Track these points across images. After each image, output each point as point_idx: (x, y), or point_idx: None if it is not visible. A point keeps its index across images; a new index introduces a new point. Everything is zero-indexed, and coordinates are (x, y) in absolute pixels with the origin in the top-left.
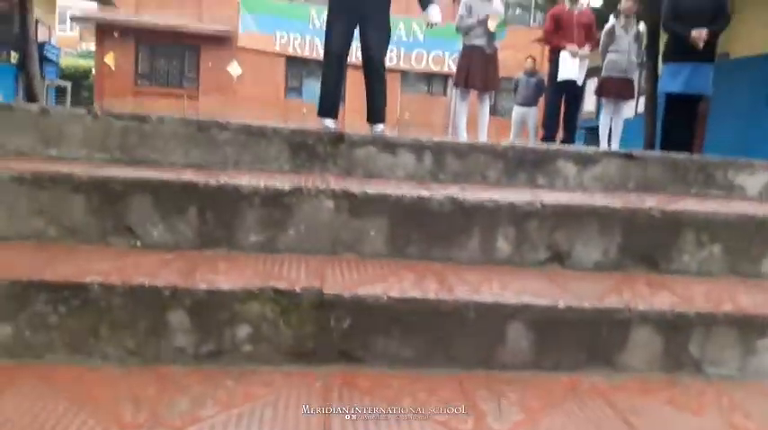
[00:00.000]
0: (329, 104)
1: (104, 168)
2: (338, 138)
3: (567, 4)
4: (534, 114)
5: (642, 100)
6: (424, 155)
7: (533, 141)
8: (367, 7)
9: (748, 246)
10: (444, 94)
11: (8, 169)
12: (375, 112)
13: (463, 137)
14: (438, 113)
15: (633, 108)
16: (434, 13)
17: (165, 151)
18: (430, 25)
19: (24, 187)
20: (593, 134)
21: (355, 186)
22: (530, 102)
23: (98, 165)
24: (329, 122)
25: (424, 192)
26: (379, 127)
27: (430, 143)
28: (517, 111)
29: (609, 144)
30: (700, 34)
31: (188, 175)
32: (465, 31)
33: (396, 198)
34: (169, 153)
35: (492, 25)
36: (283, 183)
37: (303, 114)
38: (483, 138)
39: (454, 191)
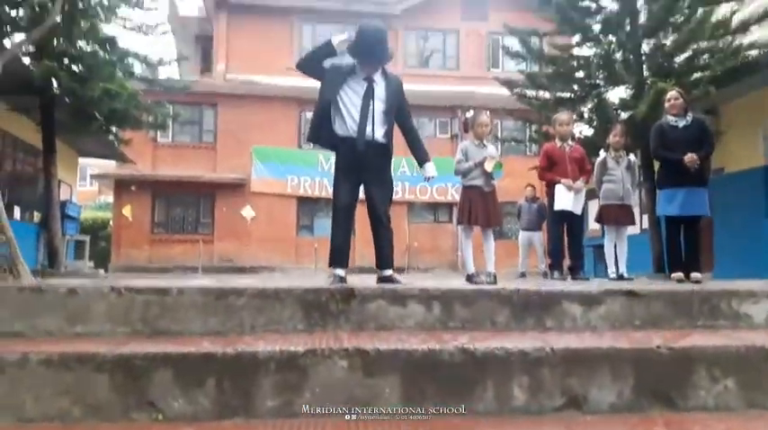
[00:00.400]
0: (340, 257)
1: (127, 344)
2: (349, 295)
3: (558, 143)
4: (539, 237)
5: (646, 217)
6: (432, 305)
7: (541, 264)
8: (369, 166)
9: (762, 378)
10: (450, 220)
11: (37, 352)
12: (383, 259)
13: (471, 271)
14: (445, 240)
15: (638, 225)
16: (431, 169)
17: (185, 321)
18: (427, 179)
19: (51, 369)
20: (600, 252)
21: (368, 343)
22: (534, 226)
23: (121, 341)
24: (340, 271)
25: (435, 345)
26: (387, 272)
27: (437, 292)
28: (523, 235)
29: (617, 268)
30: (692, 158)
31: (206, 345)
32: (463, 174)
33: (407, 353)
34: (189, 322)
35: (489, 166)
36: (298, 345)
37: (315, 249)
38: (491, 269)
39: (464, 340)
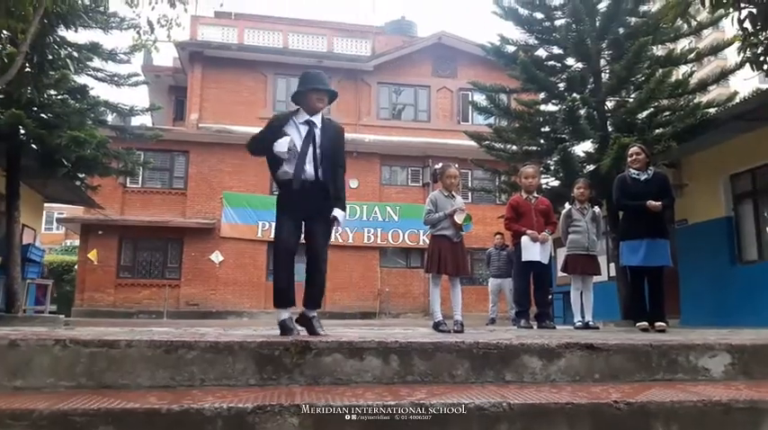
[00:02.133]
0: (286, 298)
1: (69, 399)
2: (305, 348)
3: (524, 195)
4: (509, 284)
5: (612, 265)
6: (390, 358)
7: (511, 310)
8: (311, 206)
9: None
10: (422, 266)
11: None
12: (313, 301)
13: (438, 318)
14: (417, 285)
15: (605, 273)
16: (339, 214)
17: (133, 374)
18: (337, 223)
19: None
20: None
21: (321, 399)
22: (503, 274)
23: (62, 396)
24: (285, 314)
25: (391, 401)
26: (312, 313)
27: (395, 345)
28: (492, 282)
29: (582, 316)
30: (654, 204)
31: (152, 400)
32: (432, 225)
33: (361, 409)
34: (137, 376)
35: (459, 219)
36: (247, 401)
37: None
38: (458, 317)
39: (422, 395)
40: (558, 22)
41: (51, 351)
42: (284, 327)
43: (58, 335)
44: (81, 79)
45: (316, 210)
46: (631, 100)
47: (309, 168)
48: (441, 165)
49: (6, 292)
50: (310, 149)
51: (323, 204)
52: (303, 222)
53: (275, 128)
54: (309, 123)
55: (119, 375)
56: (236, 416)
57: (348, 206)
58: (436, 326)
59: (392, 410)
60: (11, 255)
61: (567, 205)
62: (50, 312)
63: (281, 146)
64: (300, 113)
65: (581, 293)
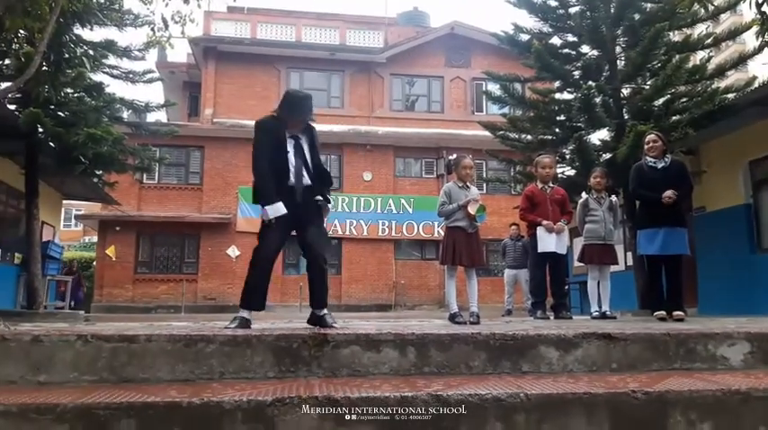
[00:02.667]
0: (256, 302)
1: (91, 393)
2: (322, 340)
3: (539, 185)
4: (525, 275)
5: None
6: (407, 350)
7: (528, 301)
8: (305, 213)
9: (739, 421)
10: (437, 258)
11: None
12: (319, 301)
13: (454, 310)
14: (432, 277)
15: (622, 262)
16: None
17: (153, 368)
18: (268, 221)
19: (10, 421)
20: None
21: (339, 391)
22: (519, 264)
23: (85, 390)
24: (245, 313)
25: (408, 393)
26: (322, 311)
27: (412, 337)
28: (508, 273)
29: (599, 306)
30: (670, 195)
31: (172, 393)
32: (446, 216)
33: (380, 400)
34: (157, 370)
35: (472, 210)
36: (266, 393)
37: (300, 287)
38: (474, 308)
39: (439, 386)
40: (572, 10)
41: (74, 346)
42: (247, 323)
43: (79, 330)
44: (97, 77)
45: (308, 216)
46: (648, 87)
47: (303, 179)
48: (455, 156)
49: (27, 289)
50: (301, 161)
51: (316, 208)
52: (295, 229)
53: (275, 132)
54: (295, 137)
55: (139, 369)
56: (256, 408)
57: (362, 199)
58: (452, 318)
59: (409, 401)
60: (31, 252)
61: (584, 194)
62: (70, 308)
63: (278, 210)
64: (284, 131)
65: (598, 283)
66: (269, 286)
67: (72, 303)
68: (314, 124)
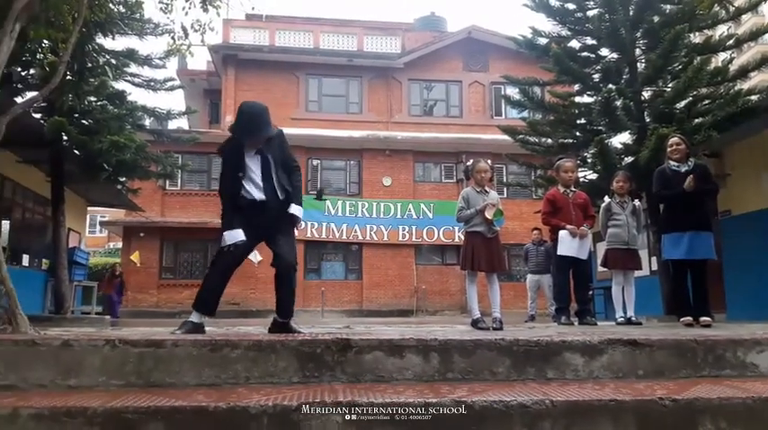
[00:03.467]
0: (210, 306)
1: (120, 397)
2: (345, 346)
3: (561, 189)
4: (548, 280)
5: (654, 259)
6: (430, 355)
7: (551, 306)
8: (275, 224)
9: None
10: (458, 262)
11: (28, 406)
12: (286, 310)
13: (476, 315)
14: (453, 282)
15: (647, 267)
16: (295, 209)
17: (180, 373)
18: (297, 219)
19: (42, 424)
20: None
21: (363, 396)
22: (541, 269)
23: (114, 394)
24: (196, 317)
25: (432, 399)
26: (287, 319)
27: (435, 343)
28: (531, 278)
29: (624, 311)
30: (691, 181)
31: (199, 398)
32: (465, 221)
33: (404, 406)
34: (183, 375)
35: (489, 214)
36: (291, 398)
37: (322, 292)
38: (497, 314)
39: (462, 393)
40: (590, 13)
41: (102, 351)
42: (197, 327)
43: (107, 335)
44: (119, 85)
45: (276, 226)
46: (669, 89)
47: (273, 192)
48: (471, 161)
49: (55, 294)
50: (268, 174)
51: (285, 219)
52: (265, 240)
53: (234, 158)
54: (260, 151)
55: (166, 374)
56: (282, 413)
57: (382, 204)
58: (475, 324)
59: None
60: (58, 258)
61: (607, 199)
62: (96, 313)
63: (236, 237)
64: (246, 148)
65: (622, 288)
66: (222, 293)
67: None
68: (281, 129)
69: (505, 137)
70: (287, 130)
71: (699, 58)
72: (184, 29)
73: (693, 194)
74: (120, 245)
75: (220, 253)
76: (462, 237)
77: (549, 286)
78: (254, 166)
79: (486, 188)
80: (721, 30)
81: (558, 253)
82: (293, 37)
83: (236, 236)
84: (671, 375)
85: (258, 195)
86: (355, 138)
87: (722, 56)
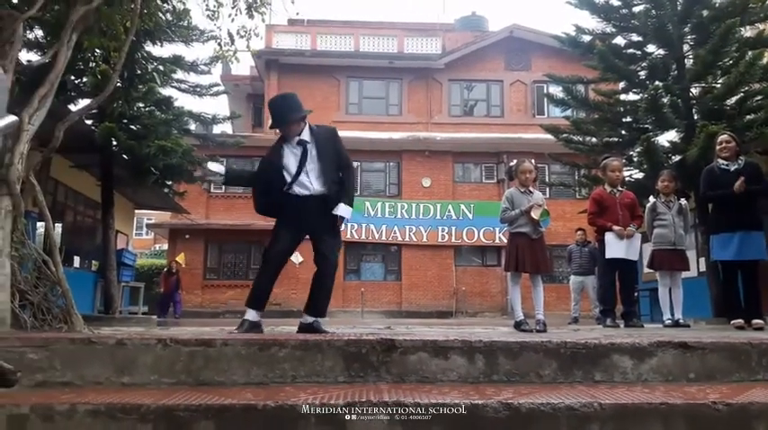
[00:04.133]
0: (260, 301)
1: (171, 395)
2: (390, 346)
3: (608, 188)
4: (592, 281)
5: (702, 260)
6: (475, 357)
7: (595, 308)
8: (313, 219)
9: None
10: (498, 264)
11: (85, 402)
12: (317, 309)
13: (520, 317)
14: (494, 284)
15: (695, 268)
16: (342, 209)
17: (229, 372)
18: (342, 219)
19: (98, 420)
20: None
21: (408, 397)
22: (586, 271)
23: (165, 392)
24: (251, 314)
25: (478, 400)
26: (316, 319)
27: (480, 344)
28: (574, 280)
29: (672, 314)
30: (741, 183)
31: (248, 396)
32: (509, 222)
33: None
34: (232, 373)
35: (536, 214)
36: (338, 397)
37: (362, 293)
38: (540, 316)
39: (509, 395)
40: (636, 8)
41: (154, 349)
42: (254, 325)
43: (159, 334)
44: (166, 91)
45: (319, 221)
46: (719, 85)
47: (310, 184)
48: (515, 161)
49: (104, 294)
50: (308, 166)
51: (327, 214)
52: (307, 234)
53: (271, 149)
54: (301, 143)
55: (215, 373)
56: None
57: (422, 205)
58: (518, 326)
59: (479, 409)
60: (107, 259)
61: (652, 198)
62: (143, 313)
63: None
64: (288, 139)
65: (669, 290)
66: (272, 289)
67: (173, 309)
68: (334, 127)
69: (547, 136)
70: None
71: (751, 52)
72: (231, 35)
73: (744, 194)
74: (166, 246)
75: (266, 251)
76: (503, 238)
77: (593, 287)
78: (292, 158)
79: (531, 188)
80: None
81: (607, 256)
82: (334, 41)
83: (218, 168)
84: (723, 379)
85: (297, 190)
86: (395, 139)
87: None
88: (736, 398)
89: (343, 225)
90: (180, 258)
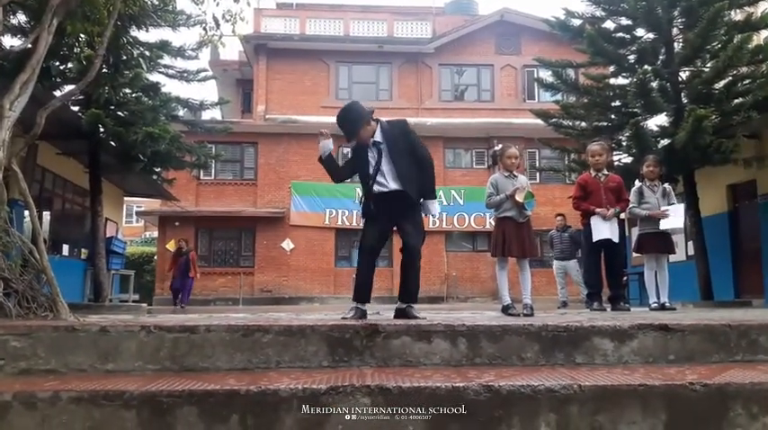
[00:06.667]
0: (364, 294)
1: (155, 381)
2: (374, 331)
3: (593, 173)
4: (574, 266)
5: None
6: (458, 340)
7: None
8: (397, 212)
9: None
10: (489, 249)
11: (68, 389)
12: (408, 294)
13: (507, 301)
14: (484, 269)
15: (682, 252)
16: (432, 207)
17: (213, 358)
18: (432, 216)
19: (81, 406)
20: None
21: (391, 380)
22: (567, 255)
23: (149, 378)
24: (361, 306)
25: (459, 383)
26: (408, 304)
27: (463, 328)
28: (557, 264)
29: (658, 297)
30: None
31: (231, 382)
32: (494, 207)
33: (431, 390)
34: (216, 359)
35: (520, 197)
36: (321, 382)
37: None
38: (527, 300)
39: (490, 378)
40: None
41: (138, 336)
42: (363, 314)
43: (143, 321)
44: (153, 77)
45: (401, 214)
46: (707, 69)
47: (387, 183)
48: (500, 146)
49: (94, 283)
50: (383, 167)
51: (406, 206)
52: (393, 226)
53: (354, 151)
54: (375, 144)
55: (199, 359)
56: (311, 396)
57: None
58: (505, 310)
59: (460, 391)
60: (96, 247)
61: (638, 182)
62: (133, 301)
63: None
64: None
65: (655, 273)
66: (372, 281)
67: (180, 295)
68: (405, 119)
69: (538, 121)
70: (317, 119)
71: (739, 35)
72: (216, 19)
73: None
74: (156, 234)
75: (359, 247)
76: (494, 224)
77: (576, 271)
78: (371, 161)
79: (515, 173)
80: (763, 6)
81: (593, 239)
82: (323, 25)
83: (326, 145)
84: (703, 360)
85: (376, 187)
86: None
87: (764, 33)
88: (714, 379)
89: (431, 218)
90: (170, 245)
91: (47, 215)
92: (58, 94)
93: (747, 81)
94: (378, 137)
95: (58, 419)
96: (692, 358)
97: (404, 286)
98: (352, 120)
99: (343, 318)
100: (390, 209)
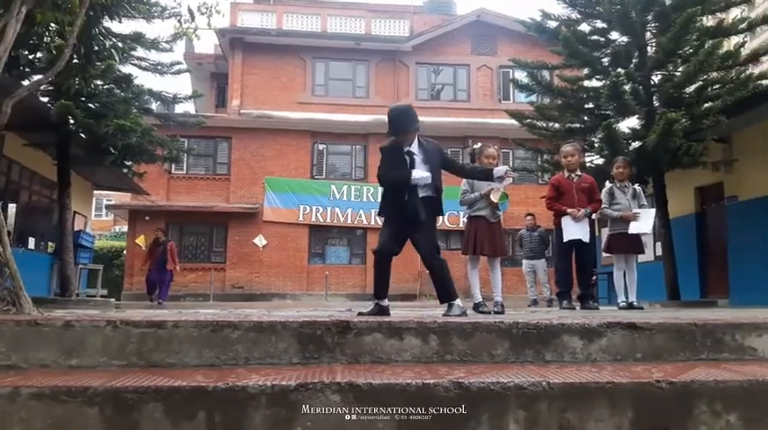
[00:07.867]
0: (382, 291)
1: (120, 377)
2: (345, 328)
3: (566, 173)
4: (542, 265)
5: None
6: (429, 337)
7: (547, 292)
8: (416, 223)
9: (765, 411)
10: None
11: (29, 385)
12: (443, 294)
13: (478, 299)
14: (457, 267)
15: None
16: (498, 170)
17: (180, 354)
18: (500, 178)
19: (42, 403)
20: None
21: (361, 377)
22: (536, 254)
23: (114, 374)
24: (381, 302)
25: (429, 380)
26: (446, 305)
27: (434, 325)
28: (526, 263)
29: (626, 296)
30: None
31: (199, 378)
32: (468, 205)
33: (401, 387)
34: (184, 355)
35: (495, 197)
36: (290, 379)
37: (326, 276)
38: (498, 298)
39: (460, 375)
40: None
41: (103, 331)
42: (382, 309)
43: (109, 316)
44: (126, 69)
45: (420, 222)
46: (679, 73)
47: (416, 192)
48: (479, 144)
49: (60, 277)
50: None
51: (429, 215)
52: (409, 230)
53: (394, 155)
54: (409, 154)
55: (166, 354)
56: (280, 393)
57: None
58: (476, 308)
59: (430, 388)
60: (64, 241)
61: (608, 183)
62: (101, 296)
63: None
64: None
65: (624, 273)
66: (389, 280)
67: (158, 289)
68: (418, 133)
69: (513, 121)
70: (293, 115)
71: (710, 41)
72: (191, 12)
73: None
74: (125, 228)
75: (378, 249)
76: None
77: (543, 270)
78: (409, 163)
79: None
80: (734, 13)
81: (564, 239)
82: (300, 20)
83: (421, 174)
84: (669, 358)
85: (404, 195)
86: (361, 122)
87: (734, 39)
88: (680, 377)
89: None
90: (140, 240)
91: (12, 207)
92: (26, 83)
93: (717, 86)
94: (414, 148)
95: (17, 416)
96: (659, 356)
97: (437, 289)
98: (408, 119)
99: (360, 314)
100: (414, 219)
